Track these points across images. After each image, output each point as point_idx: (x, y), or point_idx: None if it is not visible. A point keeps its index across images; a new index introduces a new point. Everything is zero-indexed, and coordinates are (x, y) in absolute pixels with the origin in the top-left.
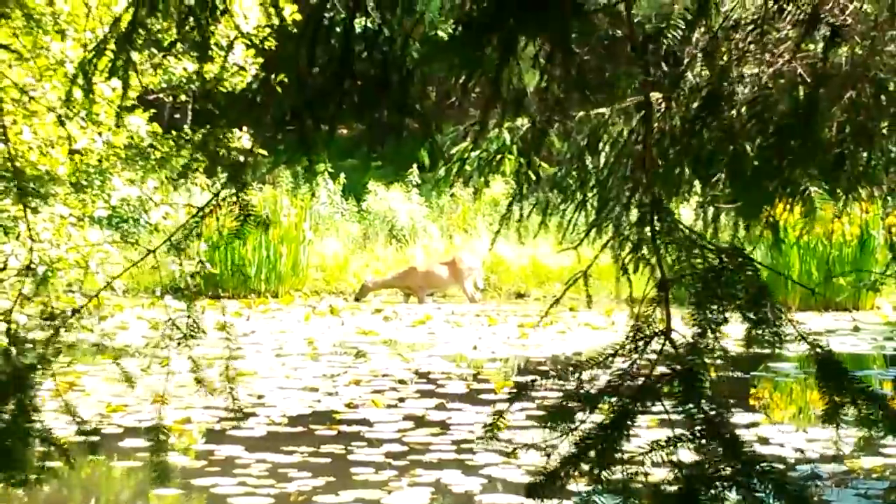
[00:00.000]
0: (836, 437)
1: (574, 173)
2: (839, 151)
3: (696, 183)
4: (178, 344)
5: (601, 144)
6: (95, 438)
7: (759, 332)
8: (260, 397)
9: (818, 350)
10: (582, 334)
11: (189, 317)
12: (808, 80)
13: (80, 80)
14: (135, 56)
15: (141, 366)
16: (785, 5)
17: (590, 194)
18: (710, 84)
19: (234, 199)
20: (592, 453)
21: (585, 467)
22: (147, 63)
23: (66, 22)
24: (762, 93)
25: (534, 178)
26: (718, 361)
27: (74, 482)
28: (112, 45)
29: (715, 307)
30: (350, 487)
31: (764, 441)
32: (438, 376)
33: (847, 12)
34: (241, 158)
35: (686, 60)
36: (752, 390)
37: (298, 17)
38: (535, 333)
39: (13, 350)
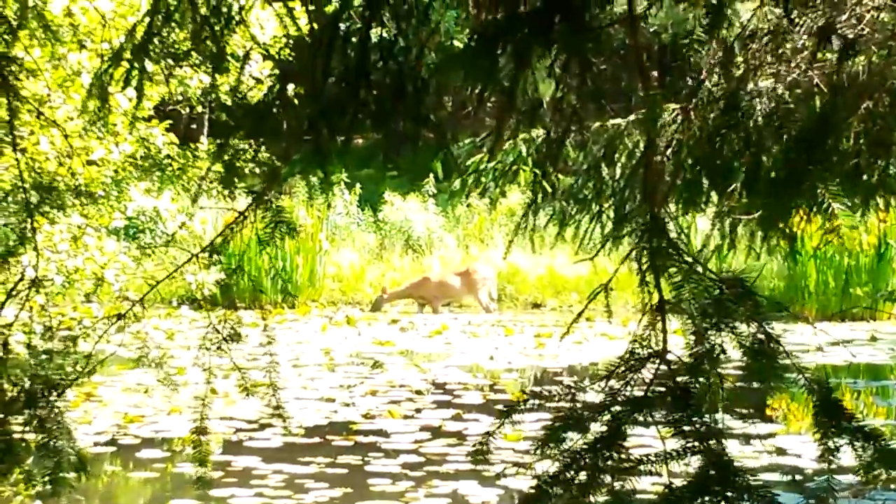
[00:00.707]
0: (829, 480)
1: (590, 184)
2: (856, 162)
3: (713, 194)
4: (219, 348)
5: (617, 155)
6: (111, 449)
7: (757, 365)
8: (276, 408)
9: (815, 387)
10: (598, 344)
11: (224, 322)
12: (825, 91)
13: (96, 90)
14: (150, 66)
15: (158, 376)
16: (798, 18)
17: (606, 205)
18: (726, 95)
19: (265, 208)
20: (581, 467)
21: (575, 481)
22: (163, 74)
23: (82, 33)
24: (778, 104)
25: (549, 189)
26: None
27: (92, 493)
28: (127, 55)
29: (713, 337)
30: (367, 498)
31: (781, 452)
32: (455, 387)
33: (863, 22)
34: (269, 169)
35: (702, 71)
36: (769, 401)
37: (314, 26)
38: (552, 344)
39: (31, 361)
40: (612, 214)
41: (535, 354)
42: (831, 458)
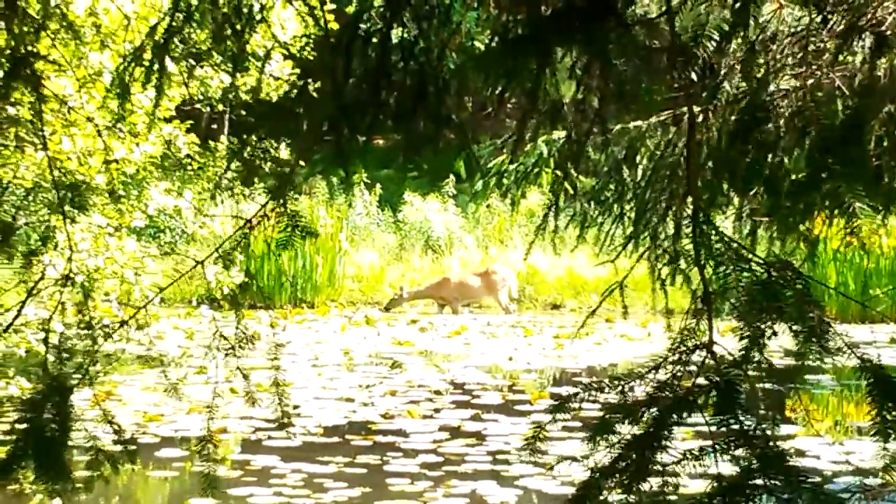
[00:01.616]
0: (882, 453)
1: (612, 186)
2: (878, 164)
3: (734, 195)
4: (227, 354)
5: (639, 157)
6: (133, 447)
7: (808, 345)
8: (296, 408)
9: (868, 364)
10: (618, 345)
11: (237, 326)
12: (847, 93)
13: (117, 88)
14: (171, 65)
15: (178, 376)
16: (829, 16)
17: (627, 207)
18: (747, 96)
19: (282, 209)
20: (628, 464)
21: (622, 479)
22: (183, 74)
23: (104, 33)
24: (800, 105)
25: (571, 190)
26: (760, 374)
27: (112, 491)
28: (148, 54)
29: (762, 320)
30: (385, 498)
31: (801, 453)
32: (474, 387)
33: (886, 24)
34: (286, 169)
35: (724, 72)
36: (789, 402)
37: (335, 25)
38: (571, 344)
39: (53, 359)
40: (633, 216)
41: (555, 355)
42: (889, 435)
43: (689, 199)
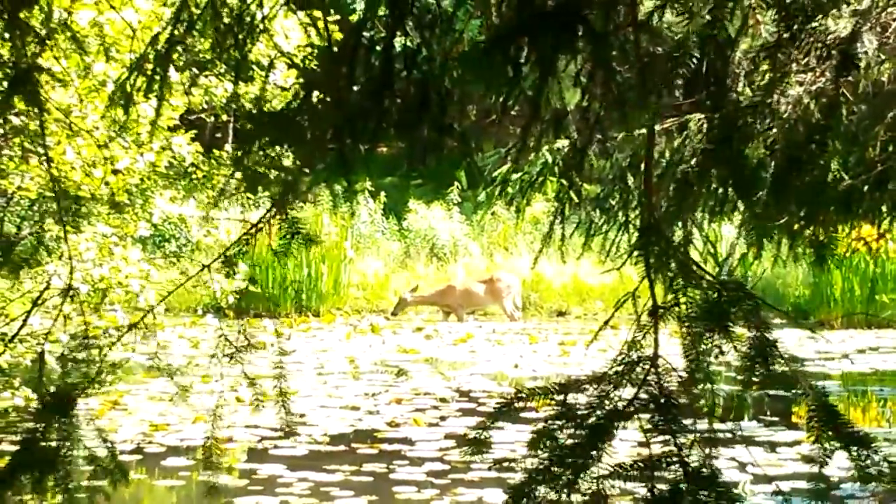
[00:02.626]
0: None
1: (616, 194)
2: (882, 169)
3: (739, 202)
4: (231, 358)
5: (643, 165)
6: (137, 457)
7: (752, 368)
8: (301, 416)
9: (810, 391)
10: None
11: (241, 332)
12: (851, 100)
13: (118, 98)
14: (174, 74)
15: (182, 384)
16: (800, 34)
17: (632, 215)
18: (751, 104)
19: (284, 216)
20: (564, 468)
21: (556, 483)
22: (186, 83)
23: (109, 44)
24: (803, 112)
25: (575, 198)
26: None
27: (117, 501)
28: (150, 63)
29: (709, 340)
30: None
31: (807, 460)
32: (479, 395)
33: (889, 30)
34: (290, 177)
35: (727, 80)
36: (794, 408)
37: (339, 35)
38: (576, 352)
39: (58, 369)
40: (638, 224)
41: (560, 362)
42: (824, 462)
43: (644, 211)
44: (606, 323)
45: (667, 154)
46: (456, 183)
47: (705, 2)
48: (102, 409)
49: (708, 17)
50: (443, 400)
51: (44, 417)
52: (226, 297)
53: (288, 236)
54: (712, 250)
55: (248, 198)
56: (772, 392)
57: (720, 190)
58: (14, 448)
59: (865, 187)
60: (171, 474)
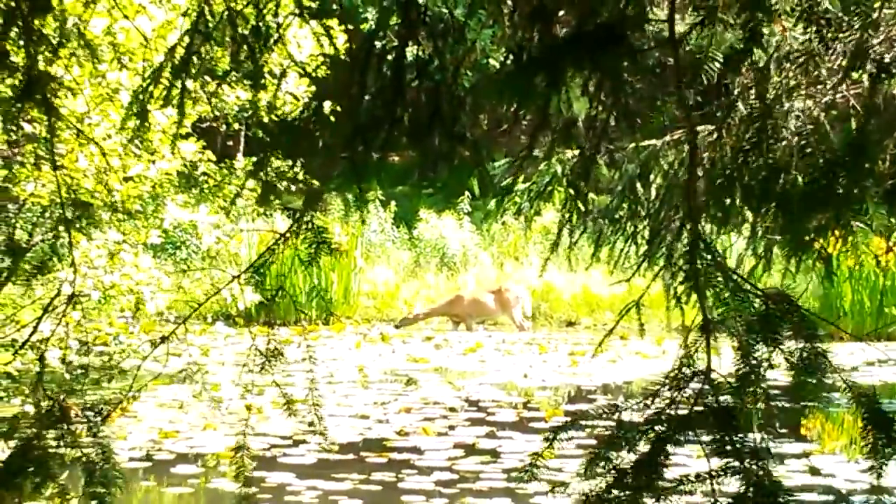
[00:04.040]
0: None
1: (625, 204)
2: (892, 182)
3: (748, 214)
4: (262, 369)
5: (653, 175)
6: (147, 464)
7: (804, 379)
8: (311, 424)
9: (863, 397)
10: (633, 363)
11: (269, 342)
12: (860, 112)
13: (135, 108)
14: (190, 84)
15: (193, 392)
16: (830, 42)
17: (641, 226)
18: (760, 115)
19: (310, 225)
20: (624, 486)
21: (617, 499)
22: (202, 92)
23: (122, 52)
24: (813, 124)
25: (583, 209)
26: (765, 395)
27: None
28: (167, 74)
29: (759, 353)
30: None
31: (815, 472)
32: (489, 404)
33: (889, 52)
34: (315, 184)
35: (736, 91)
36: (804, 420)
37: (348, 46)
38: (586, 362)
39: (66, 376)
40: (647, 235)
41: (570, 372)
42: (880, 472)
43: (688, 226)
44: (611, 332)
45: (675, 165)
46: (467, 192)
47: (738, 14)
48: (112, 416)
49: (740, 31)
50: (452, 409)
51: (51, 423)
52: (236, 304)
53: (314, 245)
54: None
55: (257, 212)
56: (779, 403)
57: (728, 201)
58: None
59: (875, 200)
60: (180, 481)
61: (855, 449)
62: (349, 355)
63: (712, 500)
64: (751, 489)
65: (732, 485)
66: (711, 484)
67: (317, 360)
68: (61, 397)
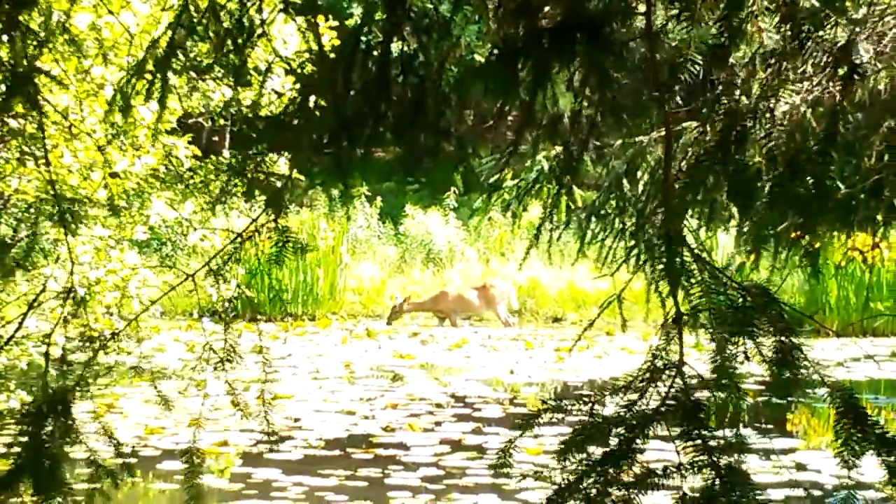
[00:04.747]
0: (848, 483)
1: (612, 200)
2: (877, 179)
3: (734, 210)
4: (215, 368)
5: (639, 172)
6: (131, 461)
7: (782, 376)
8: (296, 420)
9: (837, 394)
10: (619, 358)
11: (226, 341)
12: (846, 108)
13: (119, 102)
14: (173, 79)
15: (178, 388)
16: (806, 42)
17: (628, 222)
18: (745, 111)
19: (273, 224)
20: (594, 480)
21: (586, 494)
22: (185, 87)
23: (107, 47)
24: (799, 120)
25: (570, 205)
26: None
27: None
28: (150, 67)
29: (734, 346)
30: None
31: (801, 467)
32: (475, 400)
33: (886, 39)
34: (279, 183)
35: (720, 87)
36: (789, 415)
37: (336, 42)
38: (572, 358)
39: (53, 372)
40: (633, 230)
41: (556, 368)
42: (854, 466)
43: (662, 220)
44: (591, 324)
45: (662, 161)
46: (452, 188)
47: (713, 11)
48: (98, 412)
49: (714, 28)
50: (438, 405)
51: (41, 419)
52: (220, 303)
53: (279, 245)
54: (707, 258)
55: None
56: (765, 398)
57: (715, 197)
58: (6, 451)
59: (861, 196)
60: (166, 477)
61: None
62: (335, 351)
63: (680, 493)
64: (716, 483)
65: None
66: (680, 478)
67: (270, 360)
68: (63, 394)
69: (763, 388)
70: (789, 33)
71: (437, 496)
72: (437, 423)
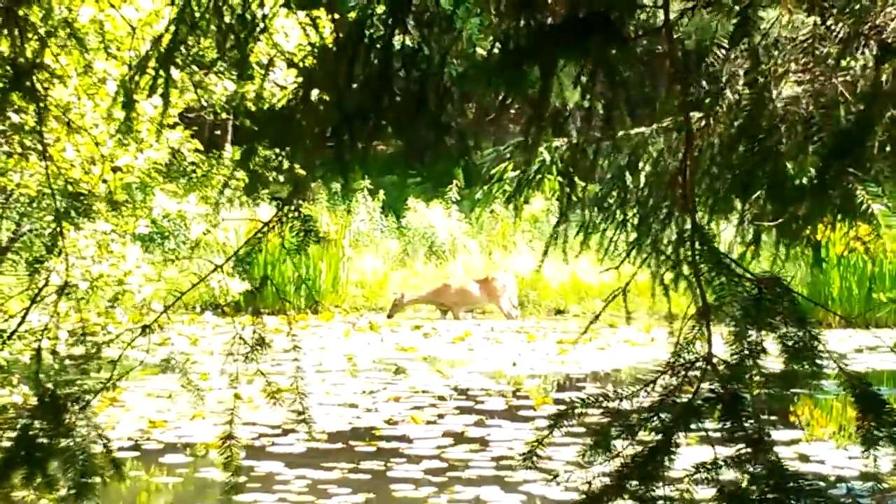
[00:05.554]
0: (873, 466)
1: (615, 193)
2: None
3: (737, 201)
4: (246, 358)
5: (641, 163)
6: (135, 454)
7: (798, 364)
8: (299, 413)
9: (854, 380)
10: (621, 350)
11: (254, 332)
12: (850, 99)
13: (122, 97)
14: (175, 73)
15: (182, 382)
16: (832, 24)
17: (630, 213)
18: (750, 102)
19: (296, 213)
20: (636, 474)
21: (630, 488)
22: (188, 81)
23: (109, 41)
24: (804, 111)
25: (575, 198)
26: (764, 381)
27: (115, 498)
28: (153, 63)
29: (753, 336)
30: (389, 503)
31: (804, 458)
32: (478, 393)
33: (890, 29)
34: (299, 177)
35: (726, 78)
36: (792, 407)
37: (335, 35)
38: (575, 350)
39: (55, 366)
40: (636, 222)
41: (558, 361)
42: (874, 453)
43: (677, 213)
44: (596, 318)
45: (665, 153)
46: (454, 181)
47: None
48: (101, 405)
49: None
50: (441, 398)
51: (40, 413)
52: (226, 294)
53: (301, 234)
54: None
55: (244, 202)
56: (766, 390)
57: (718, 188)
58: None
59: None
60: (169, 471)
61: (843, 436)
62: (338, 344)
63: (722, 487)
64: (763, 477)
65: (729, 473)
66: (715, 473)
67: (302, 349)
68: (56, 388)
69: (768, 378)
70: (818, 15)
71: (440, 489)
72: (440, 416)
